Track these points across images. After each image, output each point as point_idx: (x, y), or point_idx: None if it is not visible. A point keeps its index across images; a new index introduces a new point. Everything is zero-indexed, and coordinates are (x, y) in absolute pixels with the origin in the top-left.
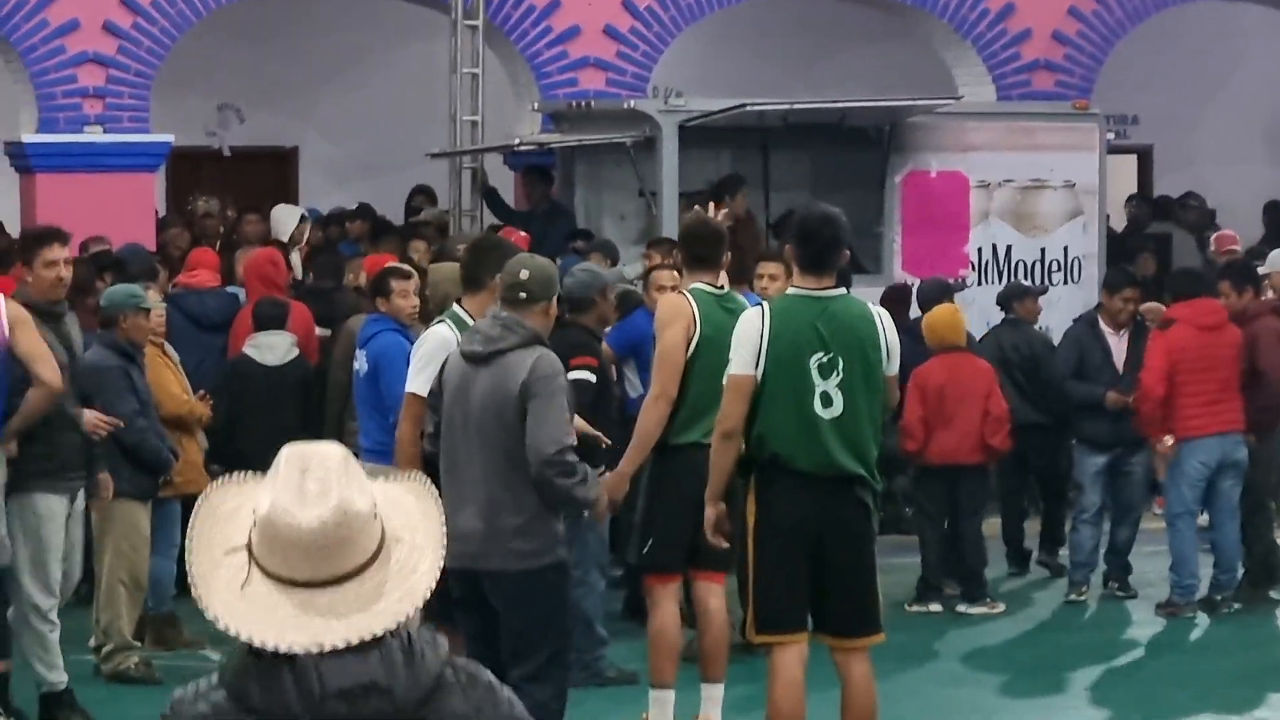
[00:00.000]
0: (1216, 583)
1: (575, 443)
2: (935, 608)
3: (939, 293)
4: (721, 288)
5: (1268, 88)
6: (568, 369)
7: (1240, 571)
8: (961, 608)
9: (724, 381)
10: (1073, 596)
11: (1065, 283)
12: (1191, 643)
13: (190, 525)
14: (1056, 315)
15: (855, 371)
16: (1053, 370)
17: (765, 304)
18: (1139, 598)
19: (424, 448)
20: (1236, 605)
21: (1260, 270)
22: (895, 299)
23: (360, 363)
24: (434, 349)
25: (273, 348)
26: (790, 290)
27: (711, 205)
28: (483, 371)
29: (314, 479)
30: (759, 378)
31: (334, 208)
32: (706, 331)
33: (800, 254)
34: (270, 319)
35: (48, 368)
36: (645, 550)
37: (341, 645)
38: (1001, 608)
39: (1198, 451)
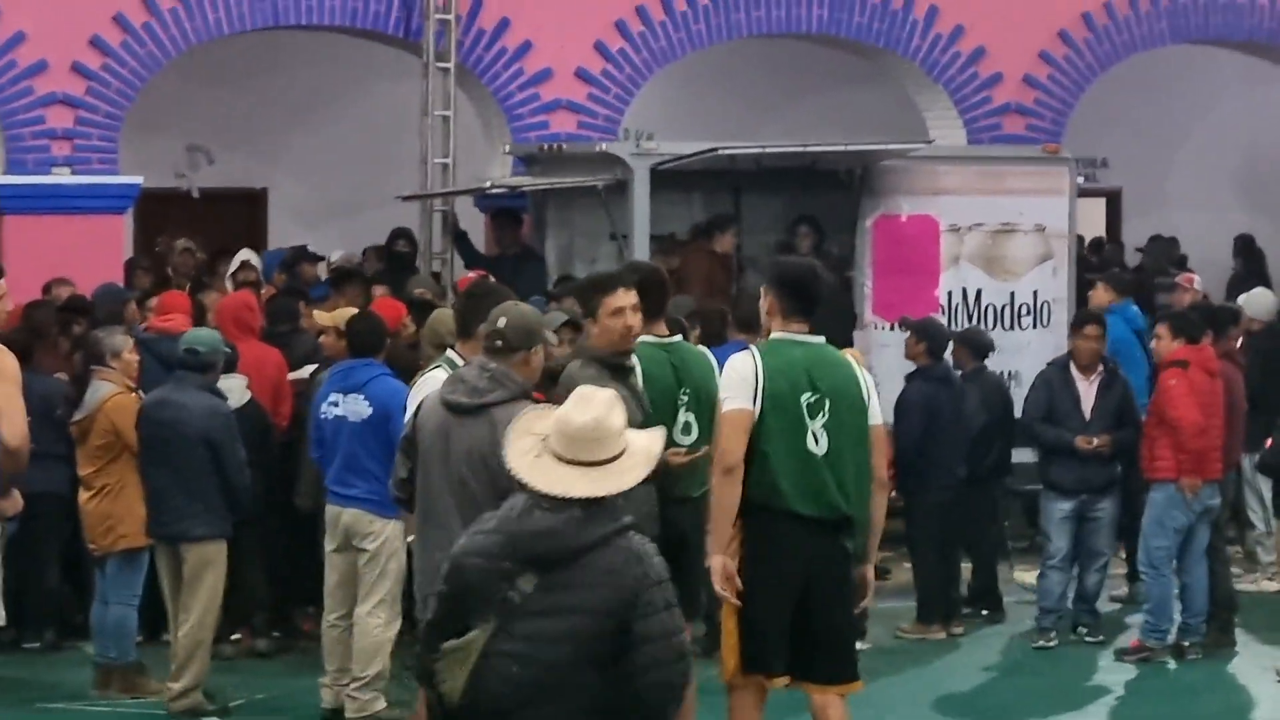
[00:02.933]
0: (1185, 627)
1: None
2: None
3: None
4: (668, 336)
5: (1238, 132)
6: None
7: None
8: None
9: (719, 419)
10: (1040, 642)
11: (1035, 327)
12: (1159, 688)
13: (511, 427)
14: (1026, 359)
15: (841, 413)
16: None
17: (753, 348)
18: (1106, 644)
19: (393, 492)
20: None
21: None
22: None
23: (356, 406)
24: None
25: (230, 391)
26: (776, 335)
27: None
28: (467, 422)
29: (591, 403)
30: (756, 416)
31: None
32: (649, 395)
33: (788, 302)
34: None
35: (6, 424)
36: None
37: (587, 496)
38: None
39: (1190, 497)
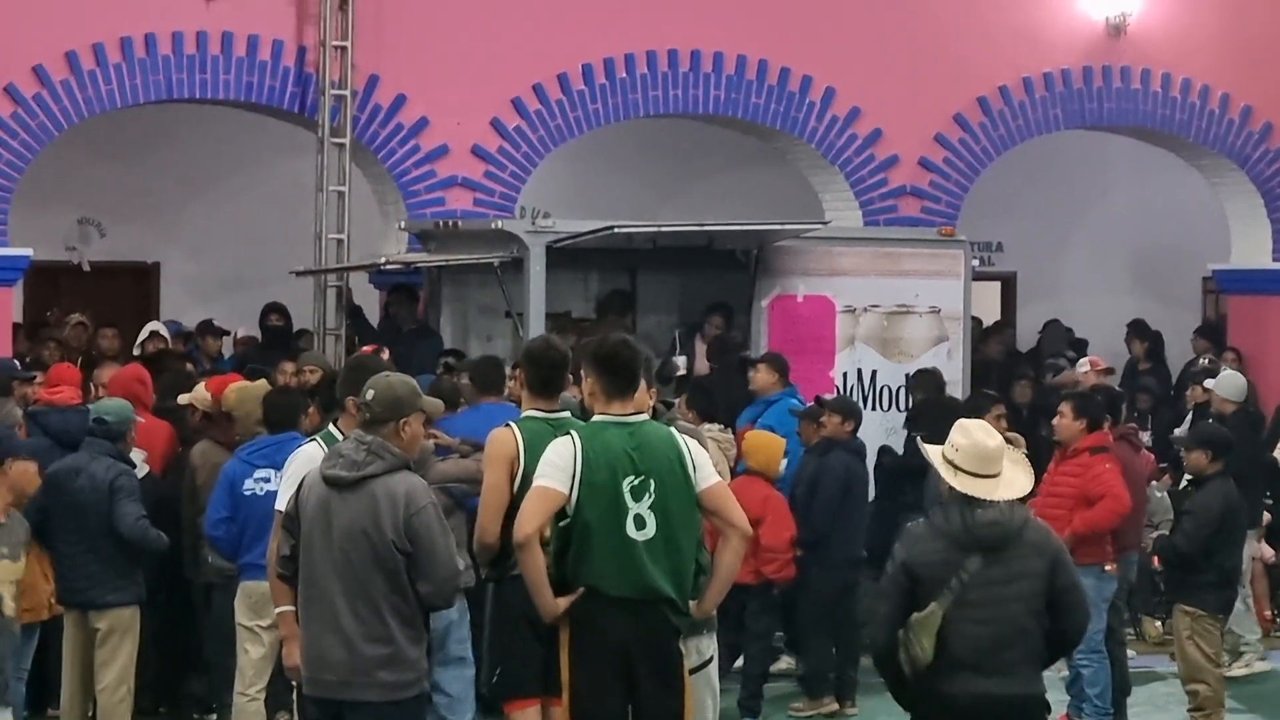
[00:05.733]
0: (1079, 709)
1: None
2: None
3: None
4: (555, 411)
5: (1131, 218)
6: None
7: None
8: None
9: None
10: None
11: None
12: None
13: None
14: None
15: (667, 492)
16: None
17: (574, 432)
18: None
19: (278, 570)
20: None
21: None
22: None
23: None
24: (303, 468)
25: None
26: (597, 418)
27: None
28: (347, 497)
29: (988, 431)
30: (573, 503)
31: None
32: (531, 468)
33: (607, 382)
34: None
35: None
36: (495, 678)
37: (994, 499)
38: None
39: (1114, 578)
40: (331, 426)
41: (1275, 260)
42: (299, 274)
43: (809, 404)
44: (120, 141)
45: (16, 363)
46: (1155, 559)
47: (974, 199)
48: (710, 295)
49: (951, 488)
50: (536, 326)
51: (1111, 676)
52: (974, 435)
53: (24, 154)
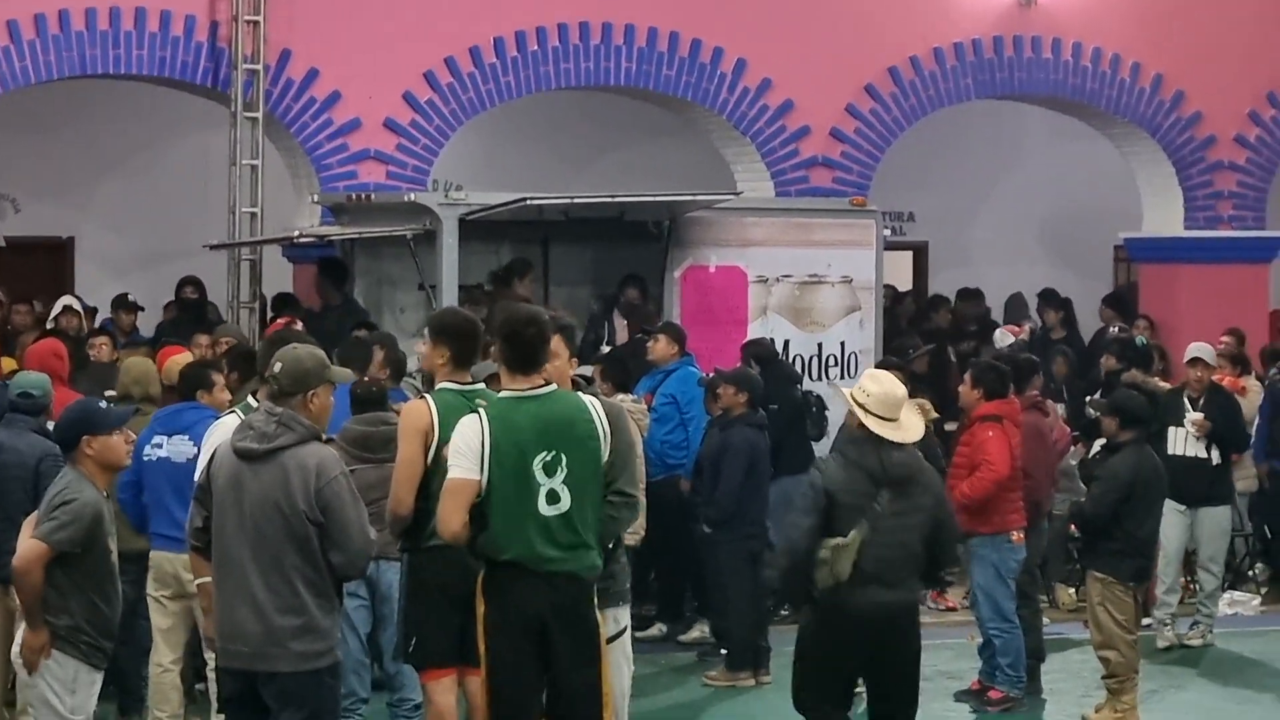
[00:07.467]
0: (990, 675)
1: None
2: None
3: None
4: (469, 384)
5: (1042, 187)
6: None
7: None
8: None
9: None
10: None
11: (842, 377)
12: None
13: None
14: (833, 410)
15: (578, 465)
16: None
17: (481, 410)
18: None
19: (192, 542)
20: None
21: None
22: None
23: (180, 447)
24: (219, 439)
25: None
26: (504, 393)
27: None
28: (258, 469)
29: (894, 379)
30: (484, 485)
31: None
32: (445, 441)
33: (510, 356)
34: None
35: None
36: (411, 648)
37: (900, 440)
38: None
39: (1021, 547)
40: (251, 398)
41: (1186, 228)
42: (213, 247)
43: (706, 373)
44: (34, 117)
45: None
46: (1072, 525)
47: (885, 169)
48: (623, 267)
49: (862, 425)
50: (449, 299)
51: (1026, 643)
52: (884, 384)
53: None
